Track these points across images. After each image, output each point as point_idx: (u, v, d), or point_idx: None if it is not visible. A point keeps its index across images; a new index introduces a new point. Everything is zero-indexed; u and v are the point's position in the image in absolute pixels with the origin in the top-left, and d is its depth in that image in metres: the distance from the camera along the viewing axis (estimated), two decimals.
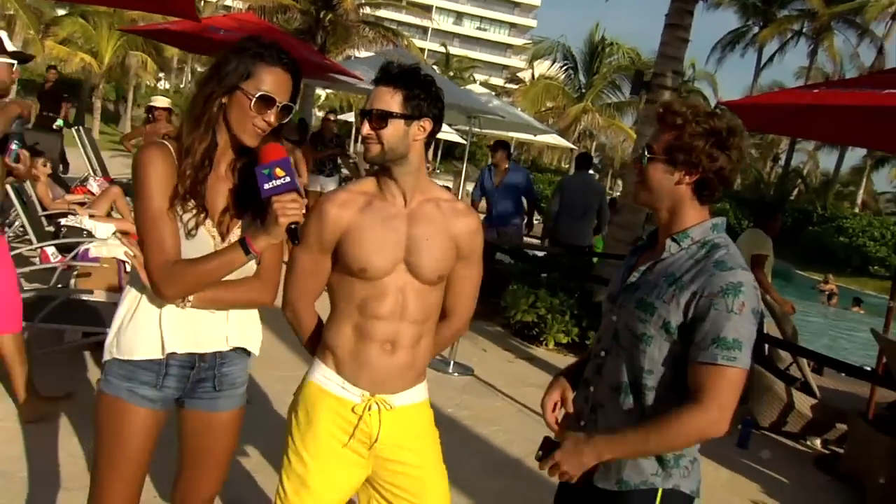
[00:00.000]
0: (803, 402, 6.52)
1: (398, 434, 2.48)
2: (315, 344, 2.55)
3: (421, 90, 2.32)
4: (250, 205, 2.32)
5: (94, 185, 9.18)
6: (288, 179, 2.15)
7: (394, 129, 2.31)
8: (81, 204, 8.18)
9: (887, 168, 46.84)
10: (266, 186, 2.14)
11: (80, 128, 11.77)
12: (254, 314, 2.49)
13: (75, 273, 5.90)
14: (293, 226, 2.16)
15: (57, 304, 4.92)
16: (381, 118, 2.30)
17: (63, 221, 7.30)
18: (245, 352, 2.49)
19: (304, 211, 2.18)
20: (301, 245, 2.42)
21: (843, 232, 31.65)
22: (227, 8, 34.41)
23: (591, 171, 10.79)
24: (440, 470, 2.59)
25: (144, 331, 2.28)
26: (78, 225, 7.13)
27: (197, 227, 2.25)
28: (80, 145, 10.96)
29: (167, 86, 53.66)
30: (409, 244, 2.39)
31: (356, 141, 10.11)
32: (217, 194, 2.31)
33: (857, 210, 40.85)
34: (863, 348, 14.19)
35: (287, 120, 2.32)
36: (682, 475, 2.21)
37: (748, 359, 2.06)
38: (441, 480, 2.58)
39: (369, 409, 2.43)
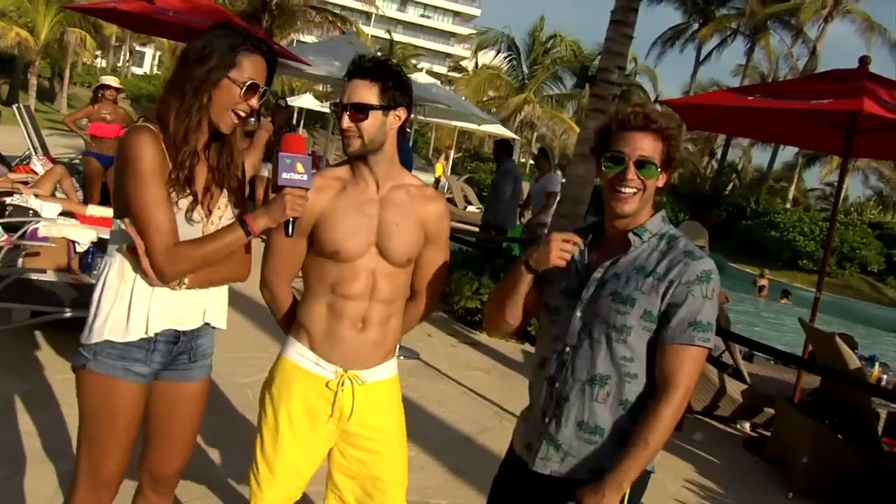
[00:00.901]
0: (734, 388, 6.84)
1: (368, 408, 2.61)
2: (289, 323, 2.67)
3: (394, 80, 2.44)
4: (228, 186, 2.46)
5: (37, 165, 9.04)
6: (305, 178, 2.32)
7: (373, 121, 2.42)
8: (25, 183, 8.07)
9: (818, 166, 48.25)
10: (284, 175, 2.29)
11: (20, 105, 11.54)
12: (224, 291, 2.61)
13: (23, 252, 5.86)
14: (292, 218, 2.34)
15: (5, 285, 4.91)
16: (360, 110, 2.41)
17: (8, 200, 7.20)
18: (210, 325, 2.60)
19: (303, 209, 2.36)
20: (277, 227, 2.52)
21: (775, 226, 32.66)
22: None
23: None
24: (402, 444, 2.73)
25: (137, 312, 2.36)
26: (24, 204, 7.04)
27: (192, 210, 2.36)
28: (21, 123, 10.76)
29: (104, 64, 52.48)
30: (381, 229, 2.51)
31: (302, 126, 10.13)
32: (198, 174, 2.41)
33: (788, 205, 42.04)
34: (789, 337, 14.74)
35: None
36: None
37: (712, 341, 2.26)
38: (401, 454, 2.73)
39: (342, 384, 2.55)
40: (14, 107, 11.36)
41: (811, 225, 32.21)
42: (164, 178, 2.28)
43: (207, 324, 2.56)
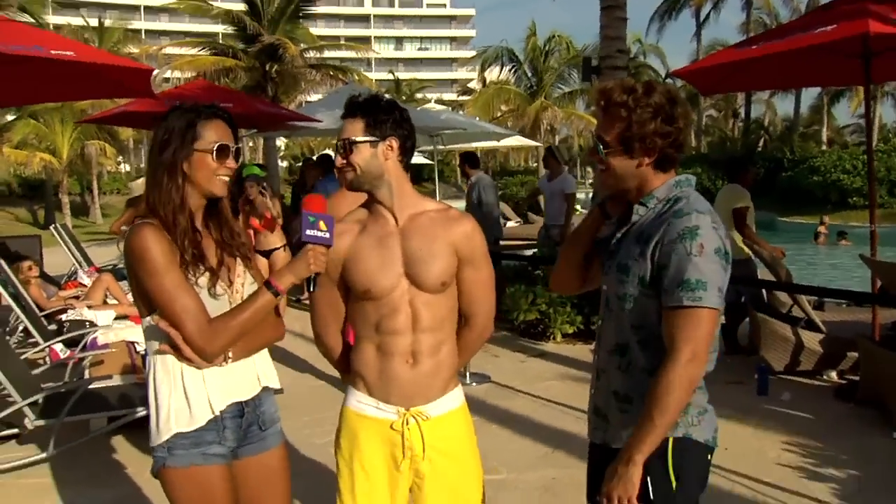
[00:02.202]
0: (811, 339, 6.68)
1: (439, 444, 2.58)
2: (346, 369, 2.68)
3: (381, 114, 2.49)
4: (240, 254, 2.53)
5: (83, 277, 9.28)
6: (328, 236, 2.39)
7: (362, 154, 2.48)
8: (76, 297, 8.28)
9: (845, 101, 47.43)
10: (308, 232, 2.36)
11: (57, 225, 11.86)
12: (266, 353, 2.67)
13: (88, 363, 5.99)
14: (315, 274, 2.39)
15: (80, 396, 5.01)
16: (348, 146, 2.48)
17: (64, 317, 7.39)
18: (268, 389, 2.64)
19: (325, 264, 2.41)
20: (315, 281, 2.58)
21: (816, 171, 32.02)
22: (167, 80, 34.58)
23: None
24: (477, 473, 2.69)
25: (196, 397, 2.39)
26: (79, 317, 7.23)
27: (215, 285, 2.40)
28: (61, 242, 11.05)
29: (128, 168, 53.73)
30: (406, 258, 2.51)
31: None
32: (207, 249, 2.46)
33: (824, 147, 41.29)
34: (856, 278, 14.40)
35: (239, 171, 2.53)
36: (691, 423, 2.29)
37: (716, 298, 2.15)
38: (476, 483, 2.68)
39: (407, 423, 2.54)
40: (52, 228, 11.68)
41: (852, 161, 31.48)
42: (177, 264, 2.32)
43: (266, 388, 2.60)
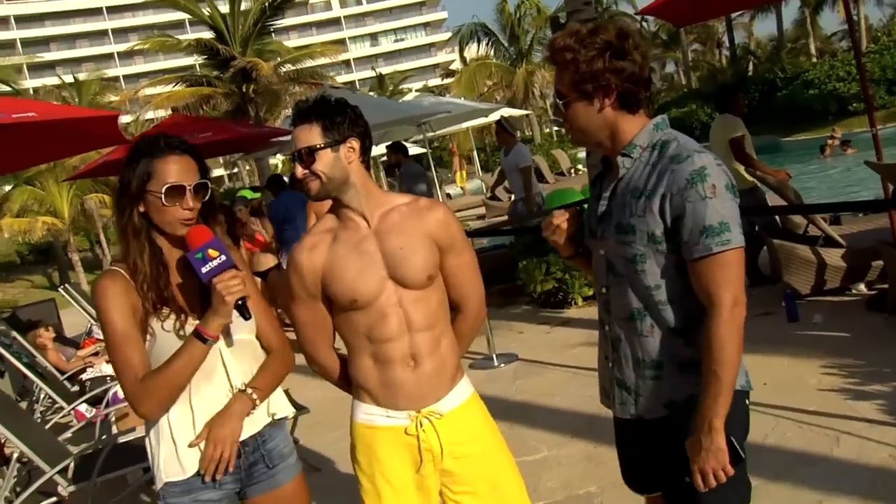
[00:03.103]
0: (833, 256, 6.53)
1: (457, 438, 2.49)
2: (348, 384, 2.58)
3: (336, 114, 2.36)
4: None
5: (100, 333, 9.23)
6: (223, 258, 2.23)
7: (325, 160, 2.34)
8: (95, 354, 8.25)
9: (827, 10, 46.78)
10: (203, 270, 2.21)
11: (67, 285, 11.85)
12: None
13: (114, 418, 5.94)
14: (240, 301, 2.25)
15: (108, 453, 4.95)
16: (308, 155, 2.34)
17: (84, 377, 7.36)
18: (278, 421, 2.54)
19: (243, 284, 2.27)
20: (293, 300, 2.49)
21: (810, 84, 31.58)
22: (151, 121, 34.58)
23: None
24: (504, 458, 2.60)
25: (185, 445, 2.32)
26: (99, 374, 7.20)
27: (183, 327, 2.30)
28: (73, 302, 11.03)
29: None
30: (387, 259, 2.40)
31: None
32: (188, 293, 2.35)
33: (814, 60, 40.76)
34: (870, 185, 14.18)
35: (208, 197, 2.38)
36: None
37: (740, 235, 2.04)
38: (507, 467, 2.59)
39: (421, 426, 2.45)
40: (60, 289, 11.67)
41: (845, 67, 30.95)
42: (129, 314, 2.24)
43: (270, 425, 2.50)
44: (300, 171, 2.37)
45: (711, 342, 2.03)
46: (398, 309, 2.41)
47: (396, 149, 11.07)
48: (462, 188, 23.24)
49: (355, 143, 2.39)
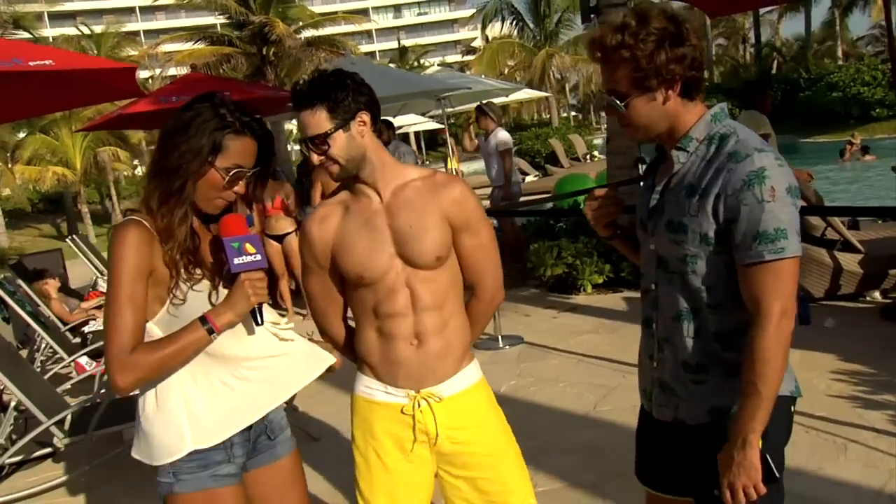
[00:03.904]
0: (850, 261, 6.44)
1: (456, 423, 2.42)
2: (356, 355, 2.52)
3: (338, 91, 2.22)
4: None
5: (104, 286, 9.20)
6: (259, 258, 2.13)
7: (339, 143, 2.23)
8: (99, 307, 8.20)
9: (857, 12, 46.24)
10: (236, 261, 2.11)
11: (75, 236, 11.80)
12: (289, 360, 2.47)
13: None
14: (258, 305, 2.15)
15: (106, 408, 4.92)
16: (321, 141, 2.23)
17: (87, 329, 7.32)
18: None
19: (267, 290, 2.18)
20: (305, 270, 2.42)
21: (834, 87, 31.30)
22: (173, 77, 34.52)
23: None
24: (508, 447, 2.53)
25: (215, 404, 2.22)
26: (101, 328, 7.14)
27: (215, 290, 2.18)
28: (80, 253, 10.99)
29: (143, 170, 53.90)
30: (396, 236, 2.32)
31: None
32: (206, 254, 2.25)
33: (840, 63, 40.36)
34: (886, 192, 14.05)
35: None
36: None
37: (797, 244, 1.91)
38: (510, 457, 2.52)
39: (419, 406, 2.39)
40: (68, 240, 11.62)
41: (871, 72, 30.68)
42: (144, 275, 2.08)
43: None
44: (316, 157, 2.26)
45: (754, 354, 1.91)
46: (405, 287, 2.34)
47: (384, 126, 10.61)
48: (456, 170, 23.14)
49: (365, 117, 2.28)
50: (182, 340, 2.09)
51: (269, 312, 2.31)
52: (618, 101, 2.03)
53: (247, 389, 2.27)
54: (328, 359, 2.46)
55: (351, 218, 2.35)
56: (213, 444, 2.20)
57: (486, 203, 12.44)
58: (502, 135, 9.73)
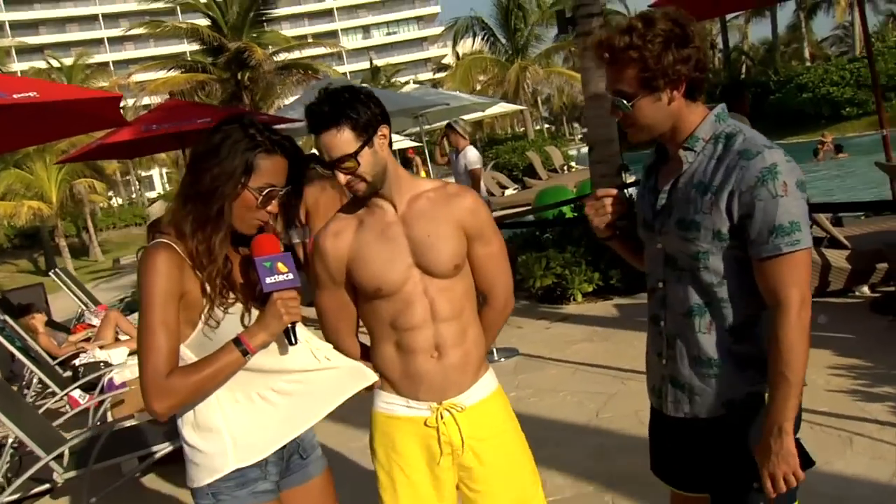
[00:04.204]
0: (837, 257, 6.49)
1: (478, 433, 2.42)
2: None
3: (359, 107, 2.20)
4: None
5: (92, 318, 9.12)
6: (291, 277, 2.10)
7: (366, 160, 2.21)
8: (87, 339, 8.13)
9: (821, 14, 46.99)
10: (268, 280, 2.08)
11: (56, 270, 11.69)
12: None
13: (108, 405, 5.84)
14: (292, 324, 2.12)
15: (105, 440, 4.86)
16: (349, 162, 2.20)
17: (77, 362, 7.24)
18: None
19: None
20: (317, 287, 2.40)
21: (804, 88, 31.73)
22: (146, 107, 34.40)
23: None
24: (523, 457, 2.53)
25: (255, 430, 2.18)
26: (93, 360, 7.07)
27: (247, 314, 2.15)
28: (63, 286, 10.89)
29: (120, 201, 53.58)
30: (413, 247, 2.32)
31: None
32: (237, 277, 2.22)
33: (808, 64, 40.88)
34: (864, 189, 14.21)
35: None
36: None
37: (809, 235, 1.97)
38: (525, 466, 2.53)
39: (442, 418, 2.38)
40: (51, 273, 11.51)
41: (839, 72, 31.15)
42: (176, 298, 2.05)
43: None
44: (343, 178, 2.23)
45: (780, 344, 1.96)
46: (424, 298, 2.33)
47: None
48: None
49: (385, 130, 2.27)
50: (217, 363, 2.06)
51: (306, 330, 2.29)
52: (624, 102, 2.06)
53: (287, 403, 2.23)
54: (371, 376, 2.41)
55: (365, 231, 2.34)
56: (256, 460, 2.17)
57: None
58: (472, 154, 9.48)
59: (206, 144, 2.11)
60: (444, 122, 16.88)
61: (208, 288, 2.08)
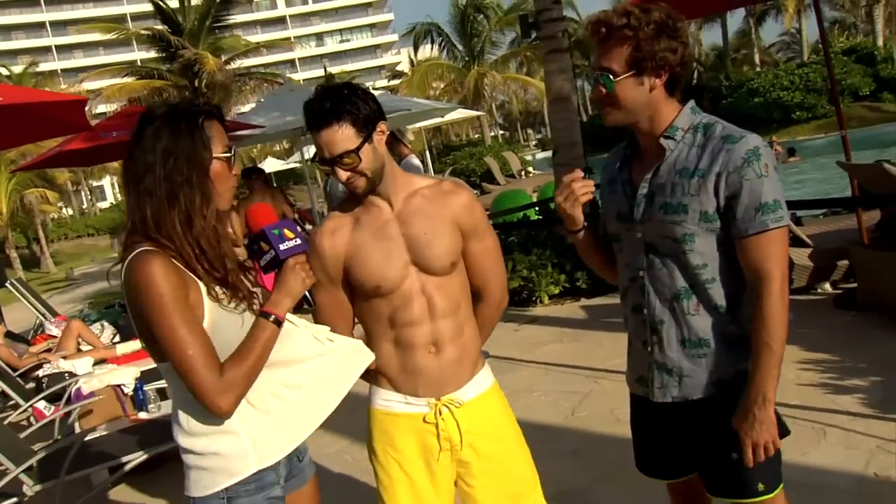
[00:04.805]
0: (800, 255, 6.62)
1: (477, 428, 2.43)
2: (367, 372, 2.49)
3: (358, 102, 2.21)
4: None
5: (52, 329, 8.92)
6: (300, 242, 2.10)
7: (366, 157, 2.22)
8: (49, 350, 7.96)
9: (770, 21, 47.89)
10: (282, 247, 2.08)
11: (11, 280, 11.42)
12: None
13: (77, 415, 5.72)
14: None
15: (77, 452, 4.76)
16: (350, 157, 2.20)
17: (40, 373, 7.09)
18: None
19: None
20: (314, 285, 2.38)
21: (755, 93, 32.36)
22: (102, 114, 33.85)
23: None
24: (521, 450, 2.56)
25: (271, 429, 2.12)
26: (57, 370, 6.93)
27: (247, 304, 2.10)
28: (20, 297, 10.64)
29: (71, 211, 52.61)
30: (410, 244, 2.33)
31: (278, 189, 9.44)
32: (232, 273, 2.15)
33: (758, 69, 41.67)
34: (817, 189, 14.52)
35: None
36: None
37: (787, 214, 2.09)
38: (523, 459, 2.55)
39: (440, 413, 2.38)
40: (7, 284, 11.24)
41: (789, 76, 31.86)
42: (187, 301, 1.95)
43: None
44: (343, 175, 2.24)
45: (765, 316, 2.05)
46: (421, 295, 2.35)
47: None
48: None
49: (383, 126, 2.29)
50: (258, 341, 2.01)
51: (300, 318, 2.27)
52: (609, 77, 2.14)
53: (299, 397, 2.18)
54: (369, 354, 2.37)
55: (362, 229, 2.35)
56: (277, 459, 2.12)
57: None
58: (412, 163, 9.41)
59: (146, 141, 2.00)
60: (409, 127, 16.95)
61: (221, 286, 2.02)
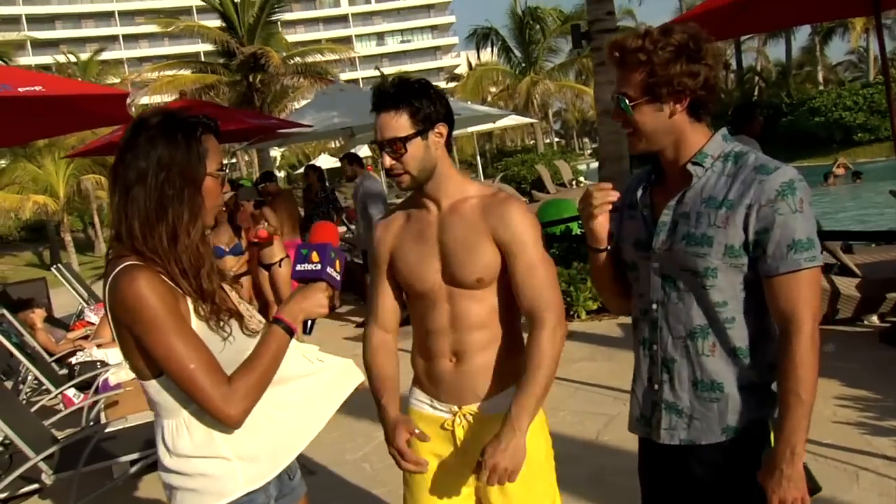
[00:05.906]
0: (847, 285, 6.41)
1: None
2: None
3: (423, 98, 2.21)
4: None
5: (91, 315, 9.06)
6: (318, 268, 2.04)
7: (414, 150, 2.22)
8: (85, 337, 8.06)
9: (837, 38, 46.89)
10: (297, 267, 2.06)
11: (58, 265, 11.65)
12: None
13: (102, 406, 5.76)
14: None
15: (97, 443, 4.78)
16: (397, 145, 2.21)
17: (74, 360, 7.17)
18: None
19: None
20: (371, 265, 2.51)
21: (817, 112, 31.64)
22: (146, 106, 34.38)
23: None
24: (540, 468, 2.43)
25: (261, 449, 2.06)
26: (90, 358, 7.00)
27: (242, 327, 2.04)
28: (64, 282, 10.84)
29: None
30: (442, 251, 2.31)
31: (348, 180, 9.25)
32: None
33: (821, 87, 40.81)
34: (880, 216, 14.11)
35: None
36: None
37: (821, 254, 1.94)
38: (542, 477, 2.45)
39: (459, 422, 2.38)
40: (53, 268, 11.47)
41: (853, 97, 31.06)
42: (179, 313, 1.87)
43: None
44: (388, 161, 2.24)
45: (794, 363, 1.91)
46: (446, 304, 2.33)
47: (352, 159, 9.50)
48: None
49: (443, 128, 2.26)
50: (270, 350, 1.95)
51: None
52: (626, 101, 2.04)
53: (287, 417, 2.12)
54: (358, 374, 2.33)
55: (409, 227, 2.40)
56: (266, 480, 2.05)
57: None
58: (367, 183, 9.21)
59: (143, 152, 1.92)
60: (457, 132, 16.86)
61: (206, 302, 1.95)
